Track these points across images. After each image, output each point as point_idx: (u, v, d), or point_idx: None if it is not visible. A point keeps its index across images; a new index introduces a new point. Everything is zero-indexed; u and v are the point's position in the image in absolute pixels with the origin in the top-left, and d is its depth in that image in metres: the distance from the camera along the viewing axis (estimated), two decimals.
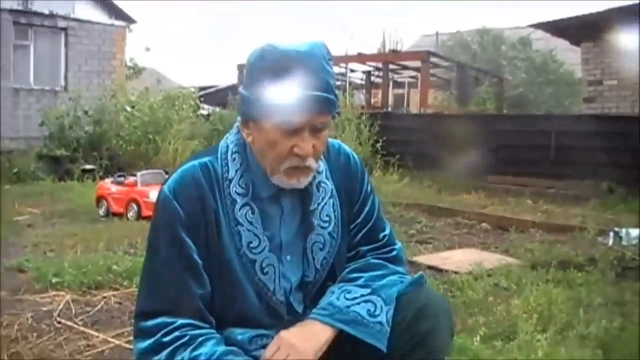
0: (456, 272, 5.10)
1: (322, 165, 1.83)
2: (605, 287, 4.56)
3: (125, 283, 4.50)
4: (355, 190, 1.92)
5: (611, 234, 6.49)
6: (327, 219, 1.83)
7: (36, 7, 14.84)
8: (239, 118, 1.80)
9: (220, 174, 1.75)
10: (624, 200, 9.53)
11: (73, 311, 3.89)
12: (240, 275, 1.74)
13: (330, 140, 1.88)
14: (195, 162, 1.76)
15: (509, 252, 6.15)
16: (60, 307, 3.95)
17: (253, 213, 1.74)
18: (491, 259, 5.68)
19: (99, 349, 3.33)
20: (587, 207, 9.13)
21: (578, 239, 6.70)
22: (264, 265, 1.75)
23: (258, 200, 1.75)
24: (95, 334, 3.53)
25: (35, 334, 3.49)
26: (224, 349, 1.64)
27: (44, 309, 3.93)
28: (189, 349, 1.62)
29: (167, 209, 1.71)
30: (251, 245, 1.73)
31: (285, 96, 1.59)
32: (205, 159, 1.77)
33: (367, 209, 1.93)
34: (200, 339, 1.64)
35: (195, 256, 1.70)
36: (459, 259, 5.71)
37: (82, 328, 3.62)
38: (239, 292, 1.74)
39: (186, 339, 1.63)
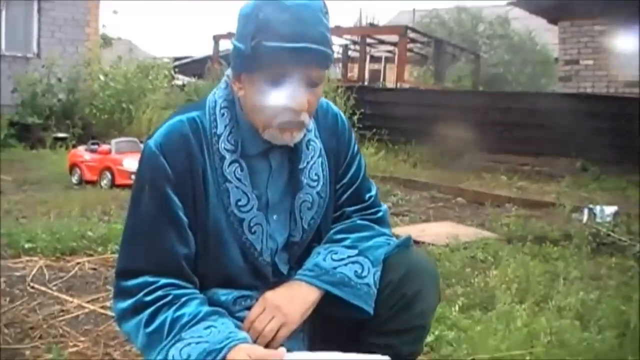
0: (433, 245, 5.10)
1: (311, 124, 1.77)
2: (581, 261, 4.59)
3: (99, 249, 4.43)
4: (342, 150, 1.88)
5: (585, 210, 6.54)
6: (316, 178, 1.78)
7: None
8: (228, 72, 1.74)
9: (209, 129, 1.69)
10: (597, 179, 9.62)
11: (47, 276, 3.82)
12: (227, 235, 1.68)
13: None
14: (183, 117, 1.70)
15: (485, 226, 6.18)
16: (34, 272, 3.87)
17: (242, 170, 1.69)
18: (467, 232, 5.70)
19: (74, 314, 3.27)
20: (561, 185, 9.21)
21: (553, 214, 6.75)
22: (252, 225, 1.69)
23: (247, 157, 1.70)
24: (70, 299, 3.47)
25: (8, 299, 3.42)
26: (208, 309, 1.60)
27: (17, 274, 3.85)
28: (172, 308, 1.57)
29: (153, 164, 1.64)
30: (239, 203, 1.68)
31: (282, 48, 1.53)
32: (193, 114, 1.70)
33: (353, 169, 1.89)
34: (184, 298, 1.59)
35: (181, 214, 1.64)
36: (435, 232, 5.72)
37: (56, 293, 3.56)
38: (225, 252, 1.69)
39: (169, 298, 1.58)
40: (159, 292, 1.59)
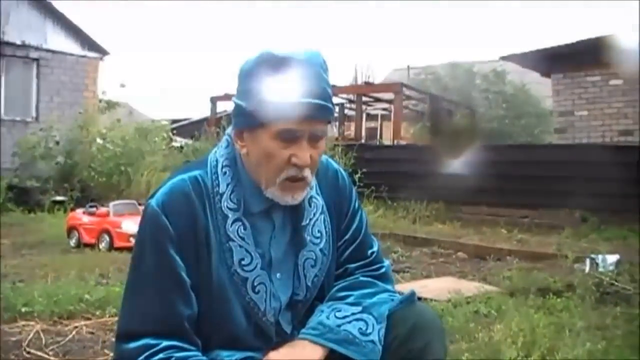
0: (435, 300, 5.04)
1: (312, 181, 1.76)
2: (586, 311, 4.53)
3: (97, 313, 4.36)
4: (343, 206, 1.87)
5: (587, 260, 6.49)
6: (319, 235, 1.77)
7: (8, 37, 14.71)
8: (229, 130, 1.74)
9: (211, 188, 1.68)
10: (598, 229, 9.59)
11: (43, 341, 3.75)
12: (230, 294, 1.66)
13: None
14: (185, 176, 1.68)
15: (487, 280, 6.12)
16: (30, 337, 3.80)
17: (245, 229, 1.67)
18: (469, 287, 5.63)
19: None
20: (561, 236, 9.17)
21: (555, 266, 6.69)
22: (255, 284, 1.67)
23: (249, 215, 1.68)
24: None
25: None
26: None
27: (13, 339, 3.78)
28: None
29: (155, 224, 1.62)
30: (243, 262, 1.66)
31: (284, 103, 1.54)
32: (195, 173, 1.69)
33: (355, 225, 1.88)
34: None
35: (184, 274, 1.61)
36: (437, 287, 5.65)
37: (52, 358, 3.50)
38: (228, 312, 1.66)
39: None
40: (161, 355, 1.55)
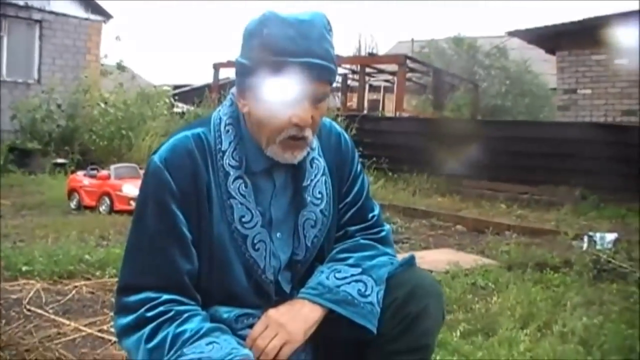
0: (433, 271, 5.06)
1: (315, 143, 1.77)
2: (583, 287, 4.56)
3: (97, 273, 4.40)
4: (345, 170, 1.87)
5: (585, 238, 6.52)
6: (320, 196, 1.78)
7: None
8: (233, 90, 1.74)
9: (214, 145, 1.69)
10: (597, 207, 9.59)
11: (43, 299, 3.79)
12: (230, 251, 1.67)
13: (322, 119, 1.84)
14: (188, 133, 1.69)
15: (485, 254, 6.14)
16: (30, 295, 3.85)
17: (246, 187, 1.68)
18: (467, 259, 5.66)
19: (70, 337, 3.24)
20: (560, 213, 9.18)
21: (553, 242, 6.72)
22: (255, 241, 1.68)
23: (251, 174, 1.69)
24: (67, 322, 3.44)
25: (3, 321, 3.39)
26: (210, 326, 1.57)
27: (13, 296, 3.82)
28: (174, 324, 1.55)
29: (157, 179, 1.63)
30: (243, 219, 1.67)
31: (287, 63, 1.54)
32: (199, 130, 1.70)
33: (356, 188, 1.89)
34: (186, 314, 1.57)
35: (185, 230, 1.63)
36: (435, 259, 5.68)
37: (52, 316, 3.53)
38: (228, 269, 1.68)
39: (171, 314, 1.56)
40: (161, 308, 1.57)
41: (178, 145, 1.66)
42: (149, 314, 1.56)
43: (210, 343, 1.52)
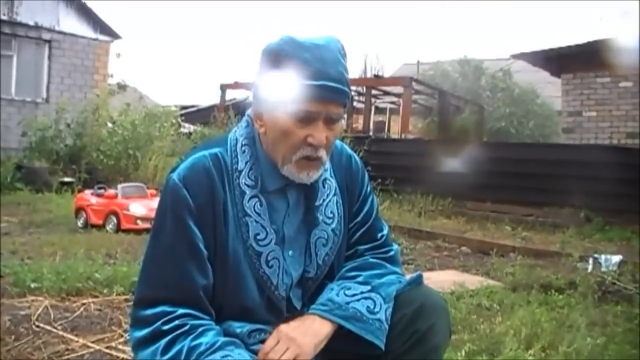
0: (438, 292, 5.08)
1: (327, 164, 1.82)
2: (587, 309, 4.57)
3: (105, 291, 4.42)
4: (355, 190, 1.93)
5: (590, 259, 6.53)
6: (331, 215, 1.83)
7: (21, 17, 14.77)
8: (249, 111, 1.80)
9: (230, 165, 1.74)
10: (602, 229, 9.61)
11: (52, 316, 3.82)
12: (245, 268, 1.72)
13: None
14: (206, 152, 1.75)
15: (490, 275, 6.16)
16: (39, 311, 3.87)
17: (261, 205, 1.73)
18: (472, 281, 5.68)
19: (79, 353, 3.27)
20: (565, 235, 9.19)
21: (558, 264, 6.72)
22: (269, 259, 1.73)
23: (266, 193, 1.75)
24: (75, 338, 3.46)
25: (12, 337, 3.42)
26: (225, 340, 1.62)
27: (22, 313, 3.85)
28: (189, 337, 1.59)
29: (176, 196, 1.68)
30: (258, 237, 1.72)
31: (303, 85, 1.61)
32: (216, 150, 1.76)
33: (366, 208, 1.94)
34: (201, 328, 1.62)
35: (202, 246, 1.67)
36: (440, 280, 5.69)
37: (61, 332, 3.55)
38: (242, 285, 1.72)
39: (186, 327, 1.61)
40: (177, 322, 1.61)
41: (196, 163, 1.72)
42: (165, 327, 1.60)
43: (225, 356, 1.56)
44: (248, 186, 1.73)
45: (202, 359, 1.56)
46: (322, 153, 1.69)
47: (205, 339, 1.59)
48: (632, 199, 9.63)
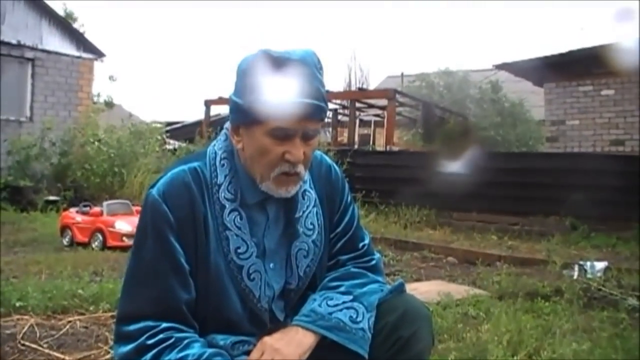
0: (425, 302, 5.09)
1: (306, 175, 1.83)
2: (573, 315, 4.60)
3: (91, 308, 4.39)
4: (336, 200, 1.93)
5: (576, 266, 6.57)
6: (312, 227, 1.84)
7: (4, 36, 14.70)
8: (227, 125, 1.81)
9: (210, 179, 1.75)
10: (587, 237, 9.67)
11: (38, 334, 3.79)
12: (227, 281, 1.72)
13: None
14: (185, 167, 1.75)
15: (476, 284, 6.18)
16: (24, 330, 3.84)
17: (241, 219, 1.74)
18: (459, 290, 5.70)
19: None
20: (551, 243, 9.23)
21: (544, 272, 6.76)
22: (251, 272, 1.74)
23: (245, 206, 1.75)
24: (61, 356, 3.44)
25: None
26: (212, 351, 1.63)
27: (7, 332, 3.82)
28: (175, 350, 1.60)
29: (155, 211, 1.69)
30: (239, 250, 1.73)
31: (279, 103, 1.61)
32: (195, 164, 1.76)
33: (347, 218, 1.95)
34: (186, 341, 1.62)
35: (183, 260, 1.68)
36: (427, 290, 5.71)
37: (47, 350, 3.53)
38: (224, 299, 1.73)
39: (171, 341, 1.61)
40: (161, 335, 1.61)
41: (175, 178, 1.72)
42: (150, 341, 1.61)
43: None
44: (228, 200, 1.73)
45: None
46: (300, 168, 1.70)
47: (192, 351, 1.60)
48: (617, 205, 9.71)
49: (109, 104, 16.81)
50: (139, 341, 1.61)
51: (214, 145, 1.82)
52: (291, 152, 1.66)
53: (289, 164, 1.67)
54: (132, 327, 1.63)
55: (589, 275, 6.18)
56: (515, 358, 3.40)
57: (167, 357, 1.59)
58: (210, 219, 1.72)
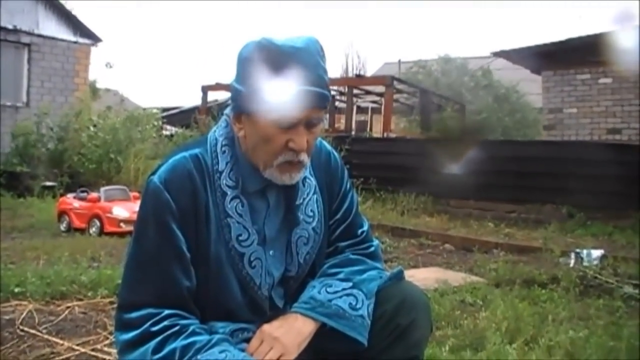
0: (422, 289, 5.10)
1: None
2: (569, 303, 4.62)
3: (89, 294, 4.41)
4: (335, 187, 1.93)
5: (572, 254, 6.60)
6: (312, 214, 1.84)
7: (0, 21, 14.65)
8: (227, 111, 1.80)
9: (211, 166, 1.74)
10: (584, 225, 9.69)
11: (36, 320, 3.80)
12: (227, 269, 1.72)
13: None
14: (186, 154, 1.74)
15: (473, 271, 6.20)
16: (23, 315, 3.86)
17: (243, 206, 1.73)
18: (456, 277, 5.72)
19: (64, 356, 3.26)
20: (547, 231, 9.26)
21: (540, 259, 6.79)
22: (252, 259, 1.73)
23: (246, 194, 1.75)
24: (60, 341, 3.45)
25: None
26: (220, 337, 1.63)
27: (6, 317, 3.83)
28: (181, 337, 1.59)
29: (157, 199, 1.67)
30: (240, 238, 1.72)
31: (282, 91, 1.59)
32: (196, 151, 1.75)
33: (346, 205, 1.95)
34: (192, 327, 1.62)
35: (184, 248, 1.67)
36: (424, 277, 5.73)
37: (46, 336, 3.54)
38: (224, 286, 1.73)
39: (177, 328, 1.61)
40: (166, 322, 1.61)
41: (177, 165, 1.71)
42: (154, 328, 1.60)
43: (223, 351, 1.58)
44: (229, 187, 1.73)
45: (202, 353, 1.57)
46: (304, 157, 1.69)
47: (199, 337, 1.60)
48: (614, 194, 9.72)
49: (105, 90, 16.74)
50: (143, 328, 1.61)
51: (215, 131, 1.81)
52: (295, 140, 1.65)
53: (293, 152, 1.66)
54: (134, 315, 1.63)
55: (585, 263, 6.21)
56: (513, 346, 3.41)
57: (173, 344, 1.58)
58: (212, 206, 1.71)
